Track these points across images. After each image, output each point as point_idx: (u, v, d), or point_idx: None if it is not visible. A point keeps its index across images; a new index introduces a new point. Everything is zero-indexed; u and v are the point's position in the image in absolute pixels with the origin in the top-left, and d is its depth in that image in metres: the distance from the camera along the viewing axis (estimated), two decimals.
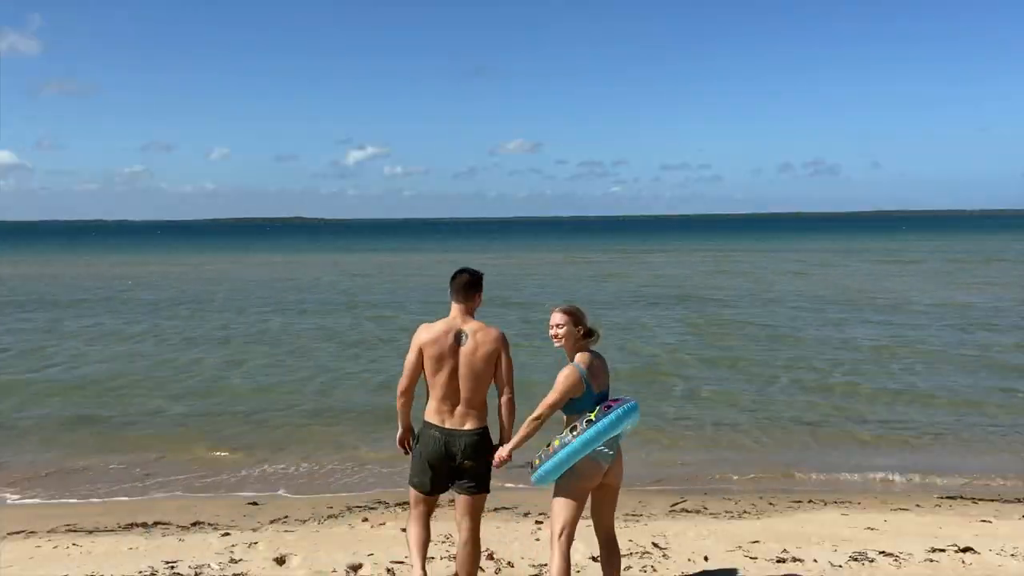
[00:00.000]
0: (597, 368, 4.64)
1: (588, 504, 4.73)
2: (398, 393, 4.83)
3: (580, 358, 4.61)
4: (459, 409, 4.71)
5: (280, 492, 8.72)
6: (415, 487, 4.89)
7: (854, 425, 11.10)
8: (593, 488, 4.65)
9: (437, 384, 4.71)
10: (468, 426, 4.71)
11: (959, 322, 20.39)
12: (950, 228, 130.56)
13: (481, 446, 4.73)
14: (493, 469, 4.79)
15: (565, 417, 4.58)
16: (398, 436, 4.99)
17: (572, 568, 5.79)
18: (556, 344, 4.64)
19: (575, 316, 4.63)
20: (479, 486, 4.80)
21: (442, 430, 4.71)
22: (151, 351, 17.34)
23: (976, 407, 11.96)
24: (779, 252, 59.96)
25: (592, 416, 4.48)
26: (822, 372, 14.49)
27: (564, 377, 4.53)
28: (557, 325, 4.61)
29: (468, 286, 4.77)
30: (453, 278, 4.81)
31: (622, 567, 5.64)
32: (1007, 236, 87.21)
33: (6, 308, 25.20)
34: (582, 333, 4.62)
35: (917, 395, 12.70)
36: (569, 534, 4.62)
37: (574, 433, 4.47)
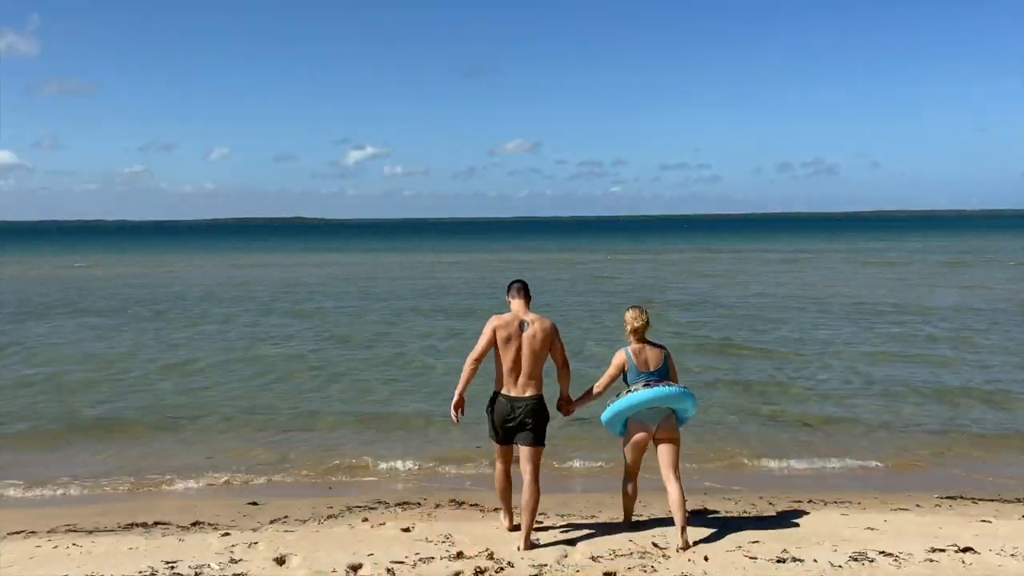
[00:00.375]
0: (643, 353, 6.25)
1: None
2: (469, 360, 6.07)
3: (631, 345, 6.29)
4: (521, 380, 6.04)
5: (280, 492, 8.71)
6: (493, 440, 6.30)
7: (851, 425, 11.13)
8: (642, 443, 6.28)
9: (505, 360, 6.04)
10: (528, 394, 6.06)
11: (941, 320, 20.45)
12: (945, 228, 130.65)
13: (538, 409, 6.09)
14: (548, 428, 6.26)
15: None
16: (453, 401, 6.19)
17: (573, 567, 5.84)
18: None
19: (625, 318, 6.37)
20: (537, 439, 6.14)
21: (508, 398, 6.08)
22: (142, 349, 17.35)
23: (971, 407, 11.99)
24: (766, 252, 60.05)
25: (629, 390, 6.16)
26: (811, 372, 14.53)
27: (614, 357, 6.35)
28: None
29: (526, 289, 6.34)
30: (511, 284, 6.38)
31: (624, 566, 5.70)
32: (1007, 236, 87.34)
33: None
34: (627, 331, 6.32)
35: (913, 395, 12.73)
36: (629, 474, 6.49)
37: (615, 397, 6.27)
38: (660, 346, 6.34)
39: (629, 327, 6.27)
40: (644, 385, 6.09)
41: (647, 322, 6.29)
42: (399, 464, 9.60)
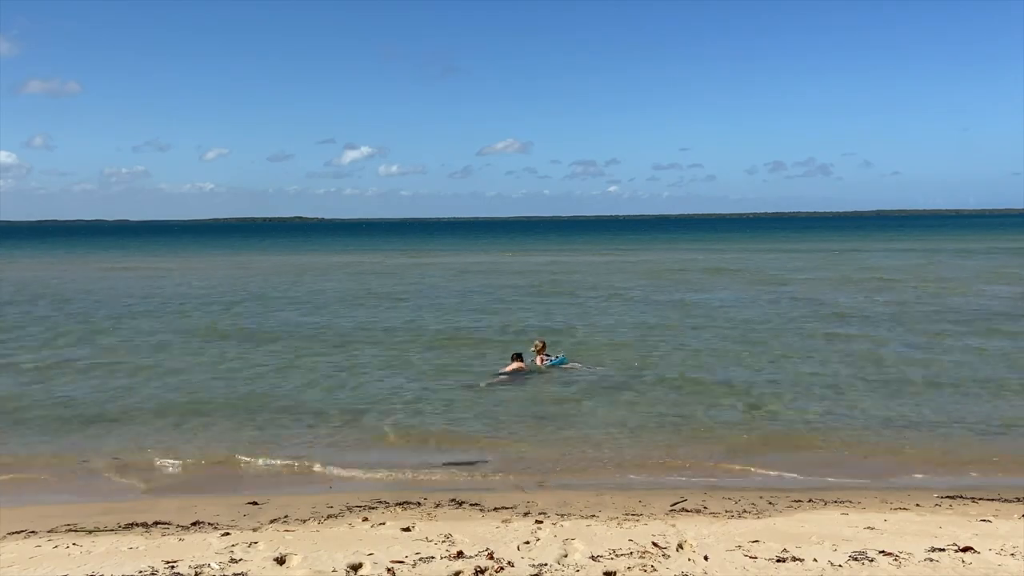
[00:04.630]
0: (543, 351, 15.55)
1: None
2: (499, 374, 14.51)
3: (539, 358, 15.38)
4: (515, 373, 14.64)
5: (280, 492, 8.70)
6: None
7: (852, 425, 11.12)
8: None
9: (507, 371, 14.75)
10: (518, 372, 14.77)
11: (925, 317, 20.42)
12: (935, 228, 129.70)
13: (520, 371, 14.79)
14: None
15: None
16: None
17: (573, 567, 5.83)
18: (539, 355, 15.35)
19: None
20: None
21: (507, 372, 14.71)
22: (137, 349, 17.35)
23: (971, 406, 11.97)
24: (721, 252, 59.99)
25: (557, 359, 15.49)
26: (806, 371, 14.50)
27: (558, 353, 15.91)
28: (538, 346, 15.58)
29: (520, 355, 14.95)
30: (513, 354, 15.06)
31: (624, 566, 5.69)
32: (1001, 235, 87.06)
33: None
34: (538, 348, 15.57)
35: (911, 395, 12.71)
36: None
37: (556, 357, 15.62)
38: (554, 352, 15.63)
39: (539, 345, 15.40)
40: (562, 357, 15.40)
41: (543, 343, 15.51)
42: (399, 464, 9.58)
